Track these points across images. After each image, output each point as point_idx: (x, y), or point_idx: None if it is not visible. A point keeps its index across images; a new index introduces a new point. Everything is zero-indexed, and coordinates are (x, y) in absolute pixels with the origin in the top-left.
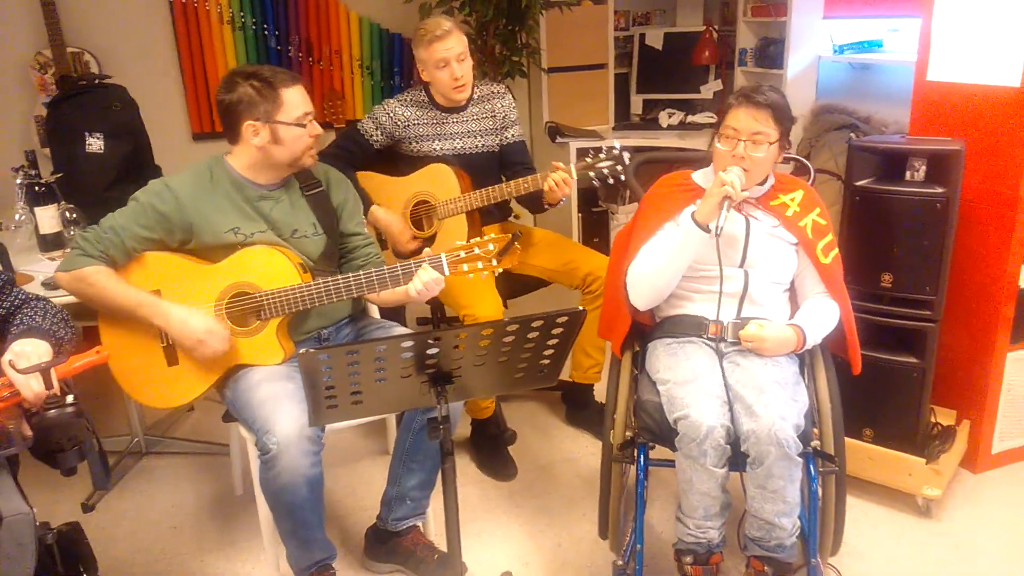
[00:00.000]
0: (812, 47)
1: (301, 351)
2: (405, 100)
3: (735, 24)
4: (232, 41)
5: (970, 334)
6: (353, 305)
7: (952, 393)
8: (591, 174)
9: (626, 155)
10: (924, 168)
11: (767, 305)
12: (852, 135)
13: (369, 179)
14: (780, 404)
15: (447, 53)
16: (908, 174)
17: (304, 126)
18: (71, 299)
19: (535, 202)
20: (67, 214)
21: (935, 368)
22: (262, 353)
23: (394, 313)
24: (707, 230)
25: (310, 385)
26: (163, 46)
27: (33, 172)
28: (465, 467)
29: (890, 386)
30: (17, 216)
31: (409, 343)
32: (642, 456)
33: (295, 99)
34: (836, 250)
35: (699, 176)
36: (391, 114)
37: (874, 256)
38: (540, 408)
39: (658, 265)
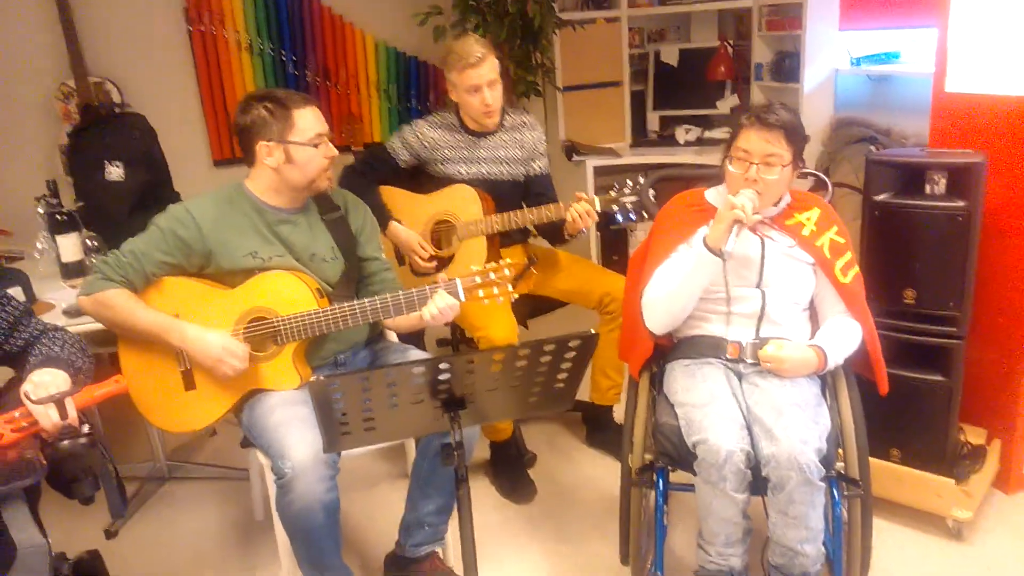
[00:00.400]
0: (829, 59)
1: (311, 380)
2: (435, 122)
3: (750, 38)
4: (251, 67)
5: (998, 350)
6: (370, 329)
7: (982, 411)
8: (614, 208)
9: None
10: (944, 181)
11: (786, 325)
12: (872, 148)
13: (392, 194)
14: (800, 427)
15: (479, 80)
16: (928, 188)
17: (317, 146)
18: (92, 327)
19: (555, 233)
20: (88, 242)
21: (964, 385)
22: (279, 378)
23: (413, 335)
24: (719, 255)
25: (322, 413)
26: (183, 74)
27: (55, 201)
28: (484, 490)
29: (917, 405)
30: (39, 245)
31: (420, 369)
32: (661, 481)
33: (308, 119)
34: (856, 268)
35: (712, 195)
36: (419, 135)
37: (896, 272)
38: (560, 429)
39: (671, 290)
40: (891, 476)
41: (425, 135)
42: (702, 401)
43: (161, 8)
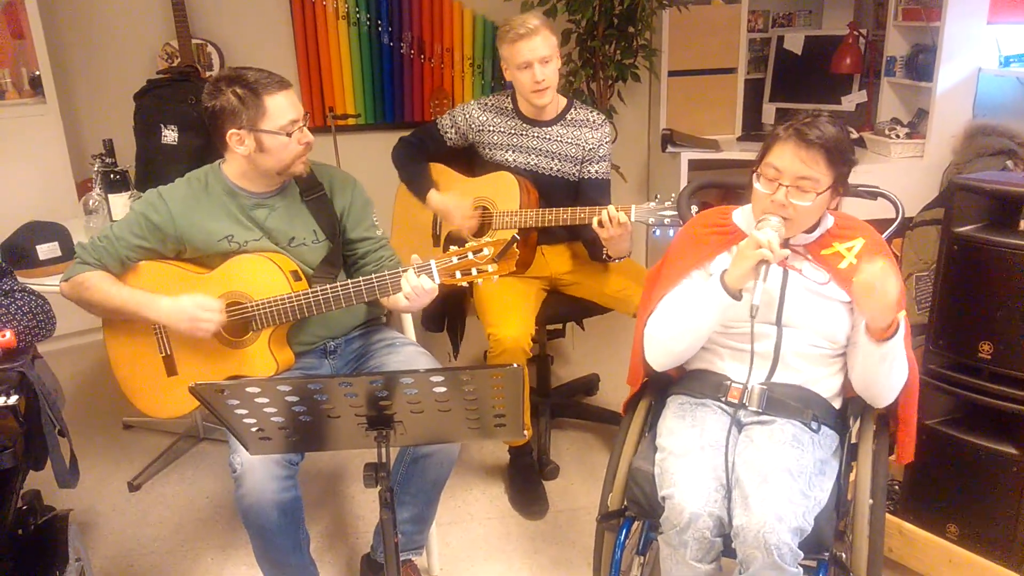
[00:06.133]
0: (972, 57)
1: (189, 385)
2: (486, 104)
3: (887, 28)
4: (347, 36)
5: None
6: (368, 313)
7: None
8: (651, 220)
9: (695, 209)
10: None
11: (806, 371)
12: (1009, 163)
13: (438, 171)
14: (780, 500)
15: (531, 55)
16: (1023, 223)
17: (290, 135)
18: None
19: (595, 248)
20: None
21: None
22: (255, 364)
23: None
24: (738, 297)
25: (220, 415)
26: (281, 40)
27: (110, 160)
28: (498, 497)
29: (984, 478)
30: (91, 202)
31: (316, 384)
32: (625, 532)
33: (280, 106)
34: (902, 312)
35: (739, 216)
36: (468, 115)
37: (972, 320)
38: (595, 441)
39: (677, 328)
40: (943, 556)
41: (473, 116)
42: (682, 450)
43: None
